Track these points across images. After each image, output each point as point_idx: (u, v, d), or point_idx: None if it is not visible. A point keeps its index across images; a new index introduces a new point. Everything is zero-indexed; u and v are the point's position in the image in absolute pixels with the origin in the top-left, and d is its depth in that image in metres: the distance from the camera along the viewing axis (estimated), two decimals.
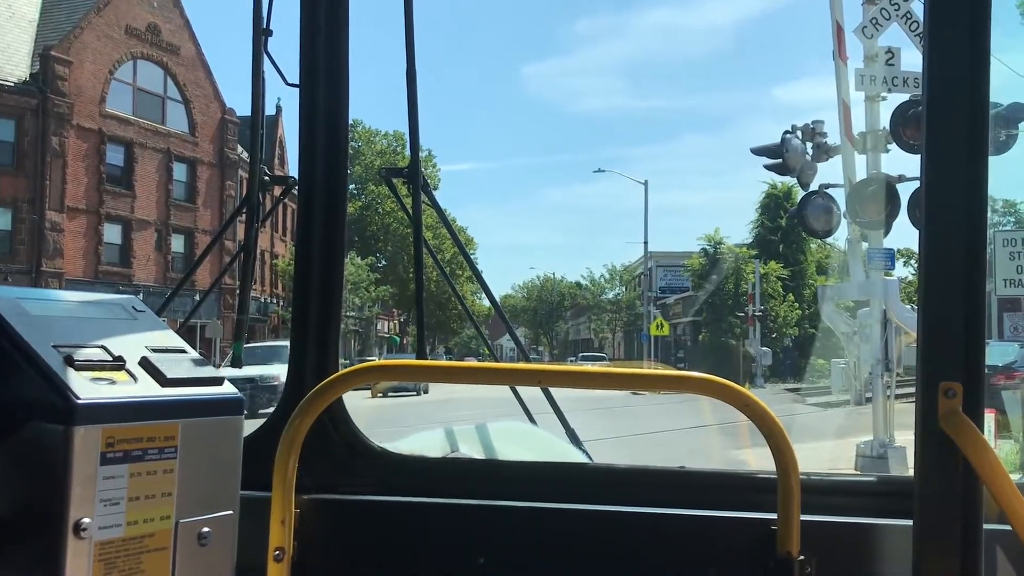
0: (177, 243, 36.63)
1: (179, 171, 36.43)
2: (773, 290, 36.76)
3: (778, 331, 36.06)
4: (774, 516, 1.41)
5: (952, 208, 1.31)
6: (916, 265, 1.40)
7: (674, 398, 16.40)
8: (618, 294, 60.16)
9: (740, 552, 1.49)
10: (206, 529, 1.33)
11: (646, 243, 42.45)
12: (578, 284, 66.56)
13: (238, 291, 2.14)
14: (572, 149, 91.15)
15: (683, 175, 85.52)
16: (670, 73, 79.80)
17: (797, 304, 37.82)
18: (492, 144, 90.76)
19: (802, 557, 1.39)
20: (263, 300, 37.58)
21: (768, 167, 9.77)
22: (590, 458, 2.07)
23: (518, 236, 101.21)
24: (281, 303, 39.26)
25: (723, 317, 37.98)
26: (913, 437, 1.36)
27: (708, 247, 39.94)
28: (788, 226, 41.36)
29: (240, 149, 41.09)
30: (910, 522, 1.40)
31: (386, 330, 56.87)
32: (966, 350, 1.32)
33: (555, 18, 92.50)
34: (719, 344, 36.98)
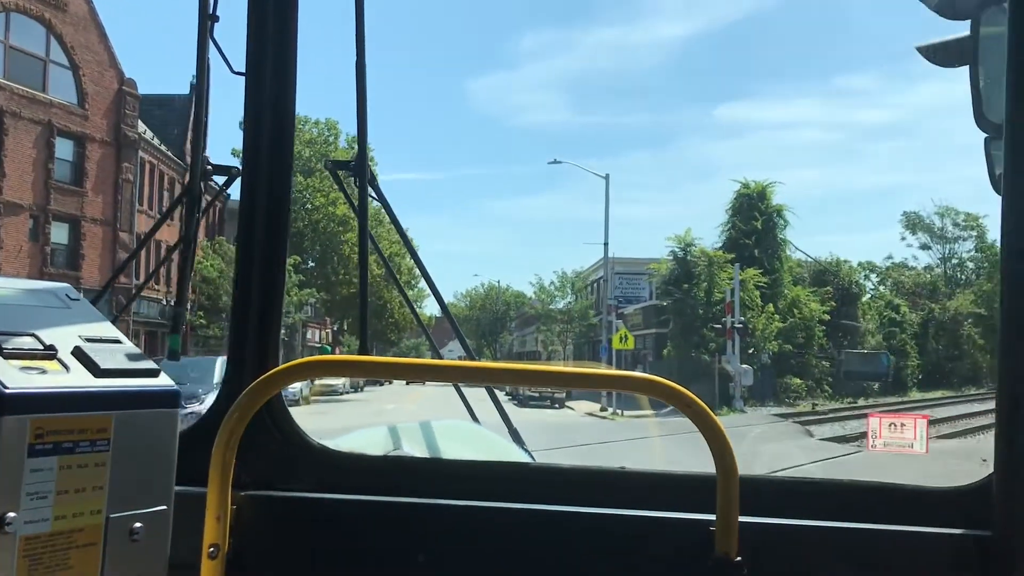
0: (59, 233, 31.37)
1: (63, 148, 32.90)
2: (751, 299, 32.52)
3: (755, 346, 31.79)
4: (713, 517, 1.51)
5: None
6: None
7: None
8: (569, 303, 57.54)
9: (679, 552, 1.61)
10: (138, 524, 1.36)
11: (606, 244, 40.03)
12: (524, 294, 63.94)
13: (177, 283, 2.24)
14: (517, 161, 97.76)
15: (627, 189, 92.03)
16: (614, 89, 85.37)
17: (777, 315, 33.54)
18: (436, 154, 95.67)
19: (740, 558, 1.49)
20: (165, 303, 32.10)
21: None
22: (532, 458, 2.18)
23: (461, 246, 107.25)
24: (191, 307, 33.80)
25: (693, 329, 33.71)
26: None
27: (678, 250, 35.75)
28: (765, 228, 37.83)
29: (143, 127, 35.17)
30: (847, 524, 1.61)
31: (317, 339, 54.92)
32: None
33: (502, 33, 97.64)
34: (688, 360, 32.78)
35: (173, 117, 38.08)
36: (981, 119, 1.79)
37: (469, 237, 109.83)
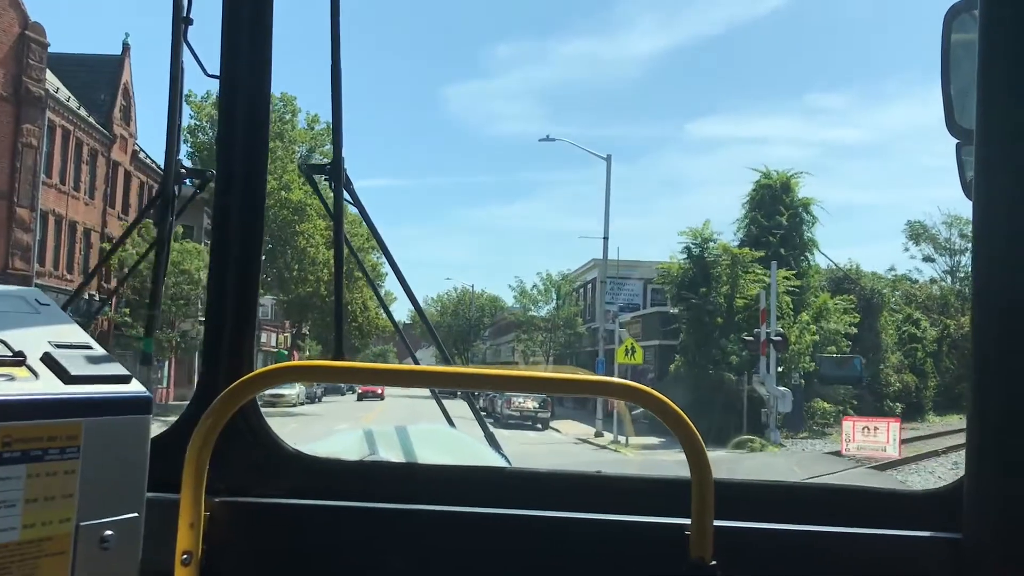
0: None
1: None
2: (782, 307, 32.63)
3: (786, 363, 31.97)
4: (688, 521, 1.72)
5: None
6: None
7: None
8: (553, 308, 59.40)
9: (654, 556, 1.89)
10: (109, 532, 1.52)
11: (606, 239, 40.55)
12: (501, 299, 65.08)
13: (151, 285, 2.54)
14: (490, 171, 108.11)
15: (596, 201, 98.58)
16: (588, 102, 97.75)
17: (812, 326, 33.83)
18: (408, 161, 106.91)
19: (714, 562, 1.75)
20: (88, 296, 32.00)
21: None
22: (509, 462, 2.47)
23: (432, 253, 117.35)
24: (116, 303, 33.95)
25: (711, 341, 33.82)
26: None
27: (693, 245, 35.76)
28: (790, 224, 38.13)
29: (57, 85, 34.74)
30: (821, 527, 1.95)
31: (273, 343, 56.32)
32: None
33: (477, 41, 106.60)
34: (705, 378, 32.79)
35: (101, 81, 37.66)
36: (952, 125, 2.10)
37: (441, 245, 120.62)
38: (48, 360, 1.50)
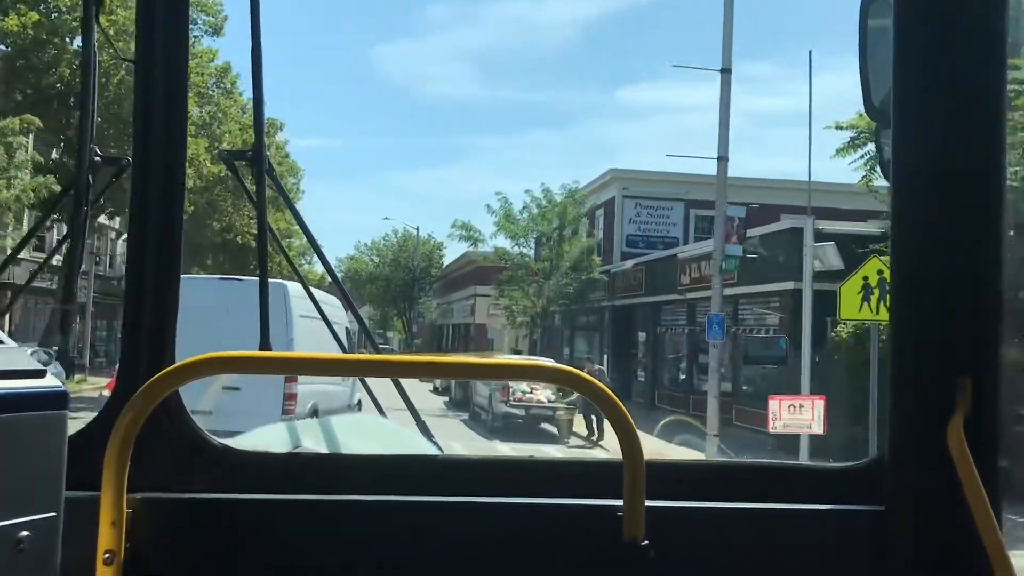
0: None
1: None
2: None
3: None
4: (621, 502, 1.80)
5: None
6: None
7: None
8: (555, 238, 38.44)
9: (588, 538, 1.93)
10: (25, 533, 1.49)
11: (722, 159, 21.28)
12: (452, 243, 45.98)
13: (64, 280, 3.62)
14: (421, 133, 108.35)
15: (529, 167, 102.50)
16: (521, 66, 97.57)
17: None
18: (338, 121, 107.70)
19: (647, 542, 1.81)
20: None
21: None
22: (440, 450, 2.47)
23: (359, 217, 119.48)
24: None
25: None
26: None
27: None
28: None
29: None
30: (749, 504, 2.00)
31: None
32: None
33: (409, 1, 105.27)
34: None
35: None
36: (870, 108, 2.16)
37: (367, 207, 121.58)
38: None
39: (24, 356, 1.59)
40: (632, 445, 1.76)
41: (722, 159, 21.06)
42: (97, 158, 2.25)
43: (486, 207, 39.49)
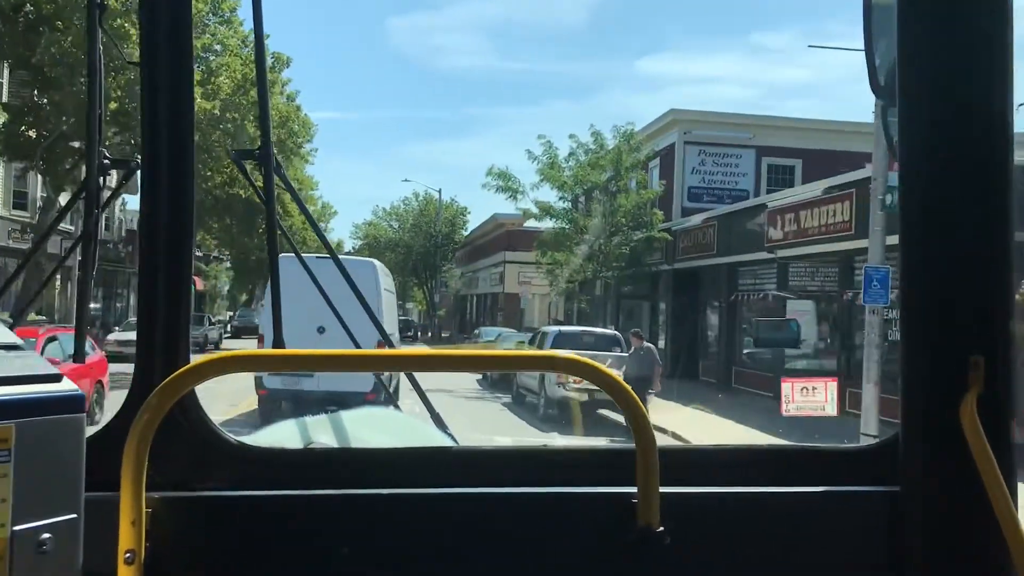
0: None
1: None
2: None
3: None
4: (635, 490, 1.84)
5: None
6: None
7: None
8: (608, 188, 32.18)
9: (603, 526, 1.95)
10: (46, 535, 1.52)
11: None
12: (506, 179, 33.27)
13: (79, 286, 2.46)
14: (439, 105, 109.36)
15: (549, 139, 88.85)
16: (538, 37, 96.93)
17: None
18: (353, 94, 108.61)
19: (662, 528, 1.83)
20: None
21: None
22: (455, 441, 2.45)
23: (374, 191, 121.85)
24: None
25: None
26: None
27: None
28: None
29: None
30: (763, 488, 2.02)
31: None
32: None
33: None
34: None
35: None
36: (876, 87, 2.15)
37: (380, 180, 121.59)
38: None
39: (41, 361, 1.60)
40: (644, 432, 1.77)
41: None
42: (106, 160, 2.27)
43: (526, 152, 33.48)
